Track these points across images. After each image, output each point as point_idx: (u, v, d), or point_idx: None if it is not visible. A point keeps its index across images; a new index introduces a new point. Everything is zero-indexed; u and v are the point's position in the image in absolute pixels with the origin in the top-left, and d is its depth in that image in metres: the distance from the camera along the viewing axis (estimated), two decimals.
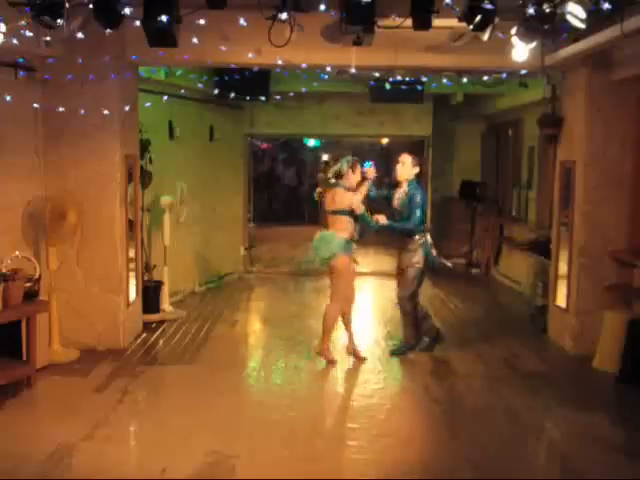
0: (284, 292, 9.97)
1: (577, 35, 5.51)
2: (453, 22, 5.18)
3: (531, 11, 4.66)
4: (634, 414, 5.34)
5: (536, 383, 5.99)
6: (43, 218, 6.20)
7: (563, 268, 6.97)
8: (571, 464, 4.51)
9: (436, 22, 5.12)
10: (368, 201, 6.41)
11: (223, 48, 6.25)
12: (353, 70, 6.32)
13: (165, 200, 8.09)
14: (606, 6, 4.45)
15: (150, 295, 7.72)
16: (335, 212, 6.22)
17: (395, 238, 6.67)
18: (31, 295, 5.76)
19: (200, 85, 8.43)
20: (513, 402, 5.49)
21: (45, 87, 6.30)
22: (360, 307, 7.10)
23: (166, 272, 8.18)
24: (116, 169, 6.56)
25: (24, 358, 5.68)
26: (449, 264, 6.86)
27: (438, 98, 10.86)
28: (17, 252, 5.88)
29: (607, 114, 6.50)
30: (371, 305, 7.15)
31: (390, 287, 7.38)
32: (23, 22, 4.86)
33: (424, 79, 8.90)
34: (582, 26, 4.71)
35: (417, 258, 6.36)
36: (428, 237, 6.48)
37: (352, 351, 6.51)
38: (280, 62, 6.33)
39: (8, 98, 5.79)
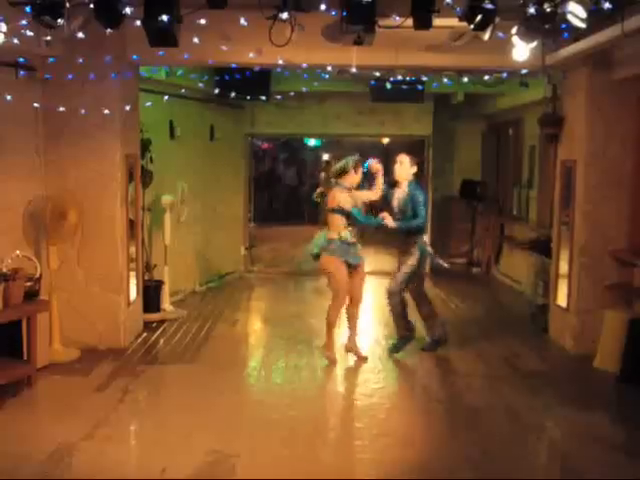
0: (284, 292, 9.97)
1: (578, 35, 5.50)
2: (454, 22, 5.17)
3: (532, 11, 4.66)
4: (634, 413, 5.34)
5: (537, 382, 5.99)
6: (44, 218, 6.20)
7: (564, 267, 6.97)
8: (571, 464, 4.51)
9: (437, 22, 5.11)
10: (384, 201, 6.44)
11: (224, 48, 6.25)
12: (354, 70, 6.32)
13: (166, 200, 8.09)
14: (607, 6, 4.44)
15: (151, 294, 7.73)
16: (330, 211, 6.24)
17: (396, 238, 6.66)
18: (32, 294, 5.76)
19: (201, 85, 8.43)
20: (513, 401, 5.49)
21: (45, 87, 6.30)
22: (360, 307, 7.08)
23: (167, 271, 8.18)
24: (117, 169, 6.56)
25: (24, 357, 5.68)
26: (446, 265, 6.87)
27: (439, 98, 10.86)
28: (18, 251, 5.88)
29: (608, 113, 6.50)
30: (371, 305, 7.16)
31: None
32: (24, 22, 4.86)
33: (425, 79, 8.89)
34: (583, 26, 4.71)
35: (413, 259, 6.39)
36: (425, 238, 6.50)
37: (351, 349, 6.51)
38: (281, 62, 6.33)
39: (9, 98, 5.78)
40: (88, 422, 4.87)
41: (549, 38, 5.35)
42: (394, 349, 6.64)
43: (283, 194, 19.51)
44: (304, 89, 8.90)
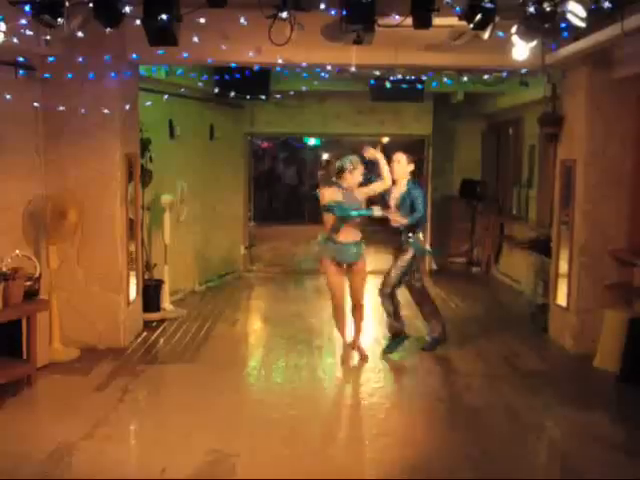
0: (284, 291, 9.97)
1: (577, 34, 5.50)
2: (453, 21, 5.17)
3: (531, 10, 4.66)
4: (634, 413, 5.34)
5: (536, 382, 5.99)
6: (44, 217, 6.20)
7: (563, 267, 6.97)
8: (571, 463, 4.51)
9: (436, 21, 5.11)
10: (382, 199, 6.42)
11: (223, 47, 6.24)
12: (353, 69, 6.31)
13: (165, 199, 8.09)
14: (606, 5, 4.44)
15: (150, 294, 7.73)
16: (323, 210, 6.20)
17: (393, 238, 6.63)
18: (31, 294, 5.76)
19: (200, 84, 8.41)
20: (513, 401, 5.49)
21: (45, 86, 6.30)
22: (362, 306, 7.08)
23: (166, 271, 8.18)
24: (116, 168, 6.56)
25: (24, 357, 5.68)
26: (435, 266, 6.88)
27: (438, 97, 10.85)
28: (17, 251, 5.88)
29: (607, 113, 6.49)
30: (371, 305, 7.16)
31: None
32: (23, 21, 4.86)
33: (424, 78, 8.89)
34: (582, 25, 4.70)
35: (406, 257, 6.40)
36: (421, 235, 6.51)
37: (354, 348, 6.49)
38: (280, 61, 6.33)
39: (8, 97, 5.78)
40: (88, 421, 4.87)
41: (549, 37, 5.35)
42: (387, 349, 6.63)
43: (283, 193, 19.52)
44: (304, 88, 8.91)
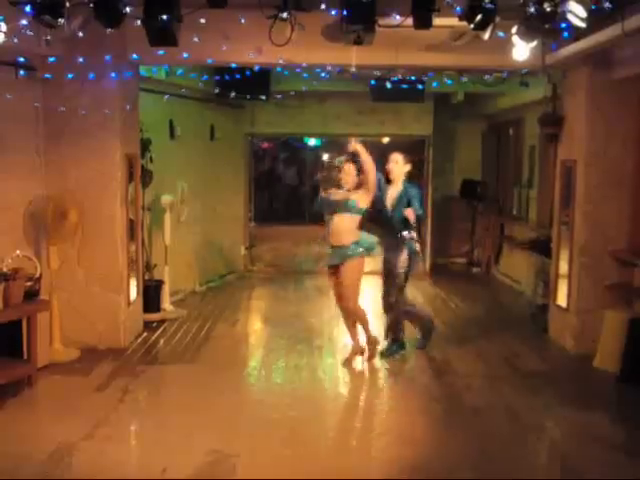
0: (285, 291, 9.96)
1: (578, 34, 5.50)
2: (454, 21, 5.17)
3: (532, 10, 4.66)
4: (634, 413, 5.34)
5: (536, 382, 5.99)
6: (44, 217, 6.20)
7: (564, 267, 6.97)
8: (571, 463, 4.50)
9: (437, 21, 5.11)
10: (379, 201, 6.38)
11: (224, 47, 6.25)
12: (354, 69, 6.31)
13: (166, 199, 8.09)
14: (607, 5, 4.45)
15: (151, 294, 7.73)
16: None
17: (382, 237, 6.55)
18: (32, 294, 5.76)
19: (201, 84, 8.42)
20: (513, 401, 5.49)
21: (46, 86, 6.30)
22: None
23: (167, 271, 8.18)
24: (117, 168, 6.56)
25: (25, 357, 5.68)
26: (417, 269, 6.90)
27: (439, 97, 10.85)
28: (18, 251, 5.88)
29: (608, 113, 6.49)
30: (371, 304, 7.15)
31: None
32: (24, 21, 4.86)
33: (425, 78, 8.89)
34: (583, 25, 4.70)
35: (403, 258, 6.37)
36: (414, 234, 6.49)
37: (359, 352, 6.46)
38: (281, 61, 6.33)
39: (9, 97, 5.79)
40: (88, 422, 4.87)
41: (549, 38, 5.35)
42: (387, 352, 6.56)
43: (283, 194, 19.51)
44: (304, 89, 8.90)
